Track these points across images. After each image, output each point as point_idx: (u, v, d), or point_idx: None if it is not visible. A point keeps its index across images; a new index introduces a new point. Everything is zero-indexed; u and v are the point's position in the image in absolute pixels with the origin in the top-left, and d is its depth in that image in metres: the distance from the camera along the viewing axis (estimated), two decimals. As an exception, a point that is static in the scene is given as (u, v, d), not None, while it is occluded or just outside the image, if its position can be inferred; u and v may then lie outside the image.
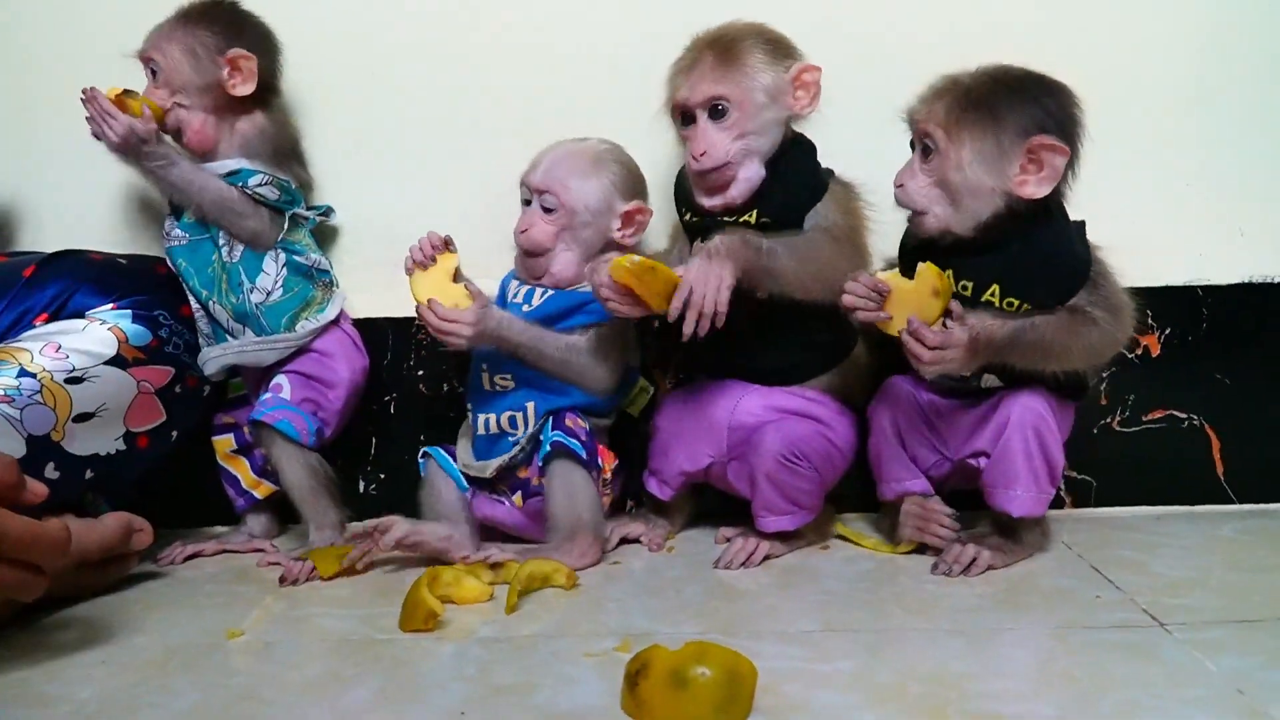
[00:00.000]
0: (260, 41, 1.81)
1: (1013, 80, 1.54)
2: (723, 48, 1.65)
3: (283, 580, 1.67)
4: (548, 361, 1.70)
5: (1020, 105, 1.51)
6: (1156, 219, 1.91)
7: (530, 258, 1.74)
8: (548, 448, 1.68)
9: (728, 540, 1.74)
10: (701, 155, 1.64)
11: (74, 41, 1.95)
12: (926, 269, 1.51)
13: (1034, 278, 1.55)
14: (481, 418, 1.76)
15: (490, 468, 1.74)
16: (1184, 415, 1.90)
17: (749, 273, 1.58)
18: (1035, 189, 1.52)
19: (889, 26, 1.90)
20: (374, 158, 1.95)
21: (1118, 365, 1.89)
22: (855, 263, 1.63)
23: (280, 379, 1.81)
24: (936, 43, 1.86)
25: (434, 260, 1.69)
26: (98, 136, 1.72)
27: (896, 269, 1.55)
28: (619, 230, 1.74)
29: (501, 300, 1.78)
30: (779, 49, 1.67)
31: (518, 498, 1.76)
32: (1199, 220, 1.91)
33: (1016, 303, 1.55)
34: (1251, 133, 1.91)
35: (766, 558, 1.69)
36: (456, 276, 1.70)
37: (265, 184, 1.79)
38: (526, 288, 1.76)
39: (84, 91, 1.71)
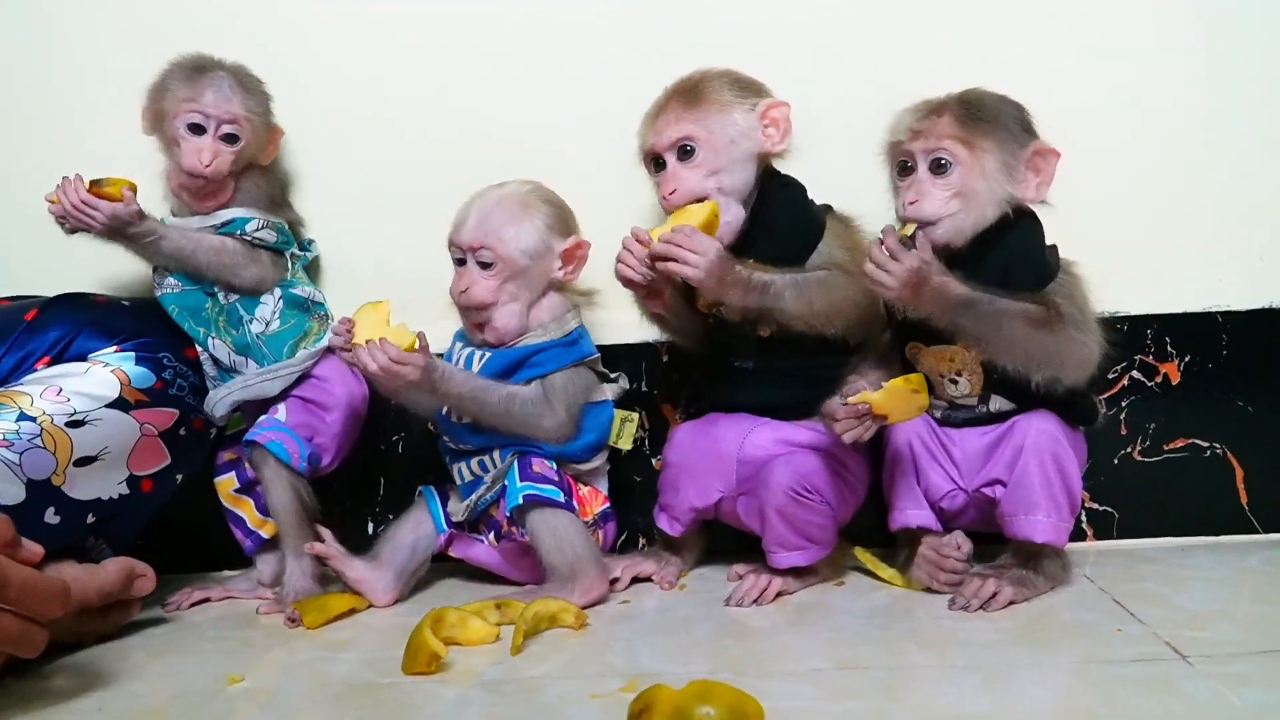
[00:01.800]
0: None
1: (993, 95, 1.59)
2: (687, 90, 1.67)
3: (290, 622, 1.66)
4: (490, 413, 1.67)
5: (1013, 115, 1.57)
6: (1174, 244, 1.88)
7: (472, 315, 1.73)
8: (519, 500, 1.66)
9: (740, 577, 1.71)
10: (671, 194, 1.64)
11: (72, 76, 1.98)
12: (892, 385, 1.52)
13: (1009, 277, 1.55)
14: (455, 467, 1.77)
15: (462, 509, 1.74)
16: (1206, 444, 1.87)
17: (752, 309, 1.60)
18: (1036, 193, 1.57)
19: (888, 58, 1.90)
20: (371, 199, 1.96)
21: (1138, 394, 1.86)
22: (868, 296, 1.61)
23: (278, 404, 1.80)
24: (940, 72, 1.83)
25: (349, 332, 1.65)
26: (72, 231, 1.72)
27: (869, 389, 1.55)
28: (560, 269, 1.73)
29: (448, 361, 1.74)
30: (745, 87, 1.68)
31: (492, 537, 1.75)
32: (1217, 245, 1.88)
33: None
34: (1270, 156, 1.88)
35: (779, 594, 1.66)
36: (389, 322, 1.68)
37: (262, 228, 1.79)
38: (467, 351, 1.74)
39: (53, 195, 1.70)
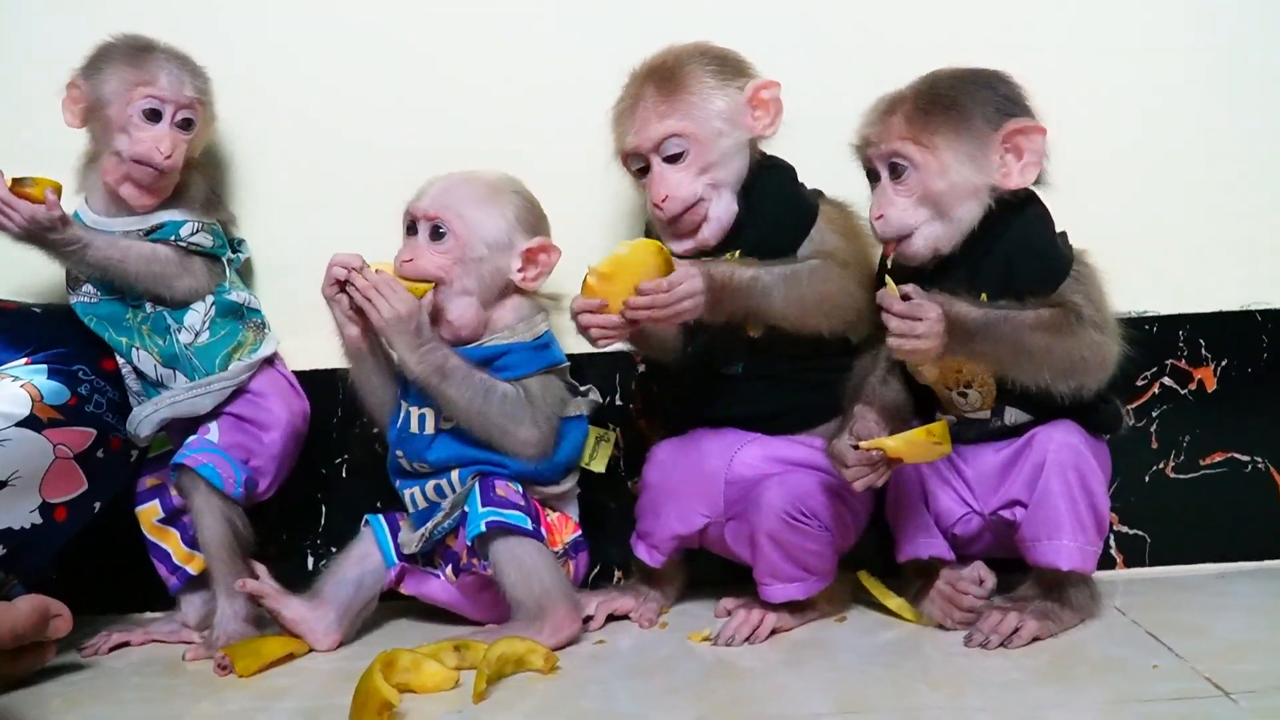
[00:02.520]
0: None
1: (959, 75, 1.57)
2: (663, 77, 1.65)
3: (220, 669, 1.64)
4: (465, 399, 1.66)
5: (979, 95, 1.55)
6: (1207, 236, 1.89)
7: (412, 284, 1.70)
8: (481, 527, 1.64)
9: (729, 613, 1.70)
10: (664, 201, 1.64)
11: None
12: (912, 435, 1.52)
13: (1017, 272, 1.55)
14: (408, 492, 1.76)
15: (415, 540, 1.73)
16: (1246, 458, 1.87)
17: (737, 312, 1.59)
18: (1020, 177, 1.55)
19: (875, 36, 1.90)
20: (310, 197, 1.96)
21: (1170, 402, 1.86)
22: (867, 289, 1.63)
23: (209, 423, 1.78)
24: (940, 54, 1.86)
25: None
26: None
27: (879, 423, 1.56)
28: (519, 271, 1.72)
29: None
30: (728, 66, 1.67)
31: (449, 571, 1.74)
32: (1254, 237, 1.89)
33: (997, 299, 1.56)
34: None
35: (773, 632, 1.65)
36: None
37: (198, 232, 1.78)
38: None
39: None
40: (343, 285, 1.65)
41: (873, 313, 1.63)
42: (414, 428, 1.73)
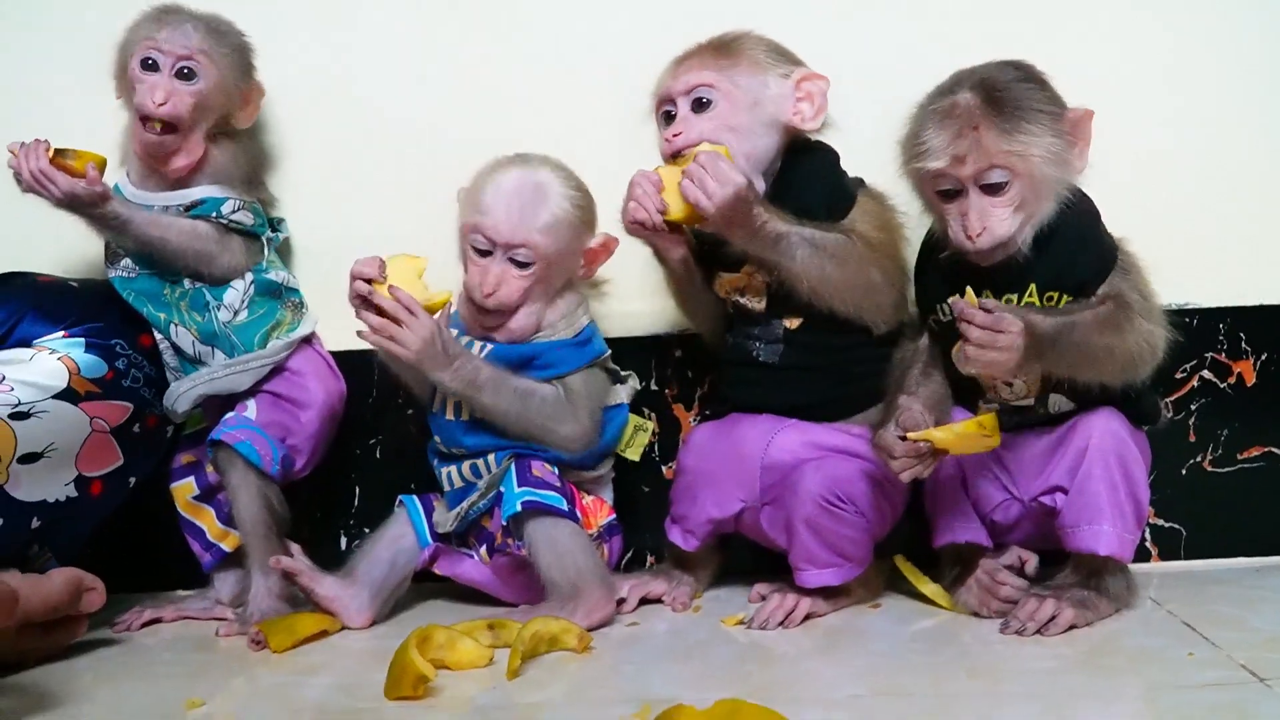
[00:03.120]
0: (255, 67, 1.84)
1: (1012, 81, 1.54)
2: (721, 44, 1.68)
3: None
4: (503, 406, 1.66)
5: (1038, 92, 1.54)
6: (1247, 229, 1.89)
7: (490, 317, 1.71)
8: (517, 507, 1.64)
9: (762, 598, 1.70)
10: (675, 137, 1.65)
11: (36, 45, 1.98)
12: (963, 428, 1.53)
13: (1069, 264, 1.56)
14: (444, 471, 1.76)
15: (450, 519, 1.74)
16: (1285, 452, 1.87)
17: (755, 249, 1.61)
18: (1082, 161, 1.56)
19: (919, 30, 1.92)
20: (349, 178, 1.97)
21: (1208, 396, 1.86)
22: (891, 279, 1.65)
23: (247, 400, 1.79)
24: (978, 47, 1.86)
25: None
26: (27, 190, 1.70)
27: (924, 414, 1.55)
28: (583, 268, 1.73)
29: None
30: (781, 54, 1.70)
31: (484, 551, 1.74)
32: (1296, 228, 1.89)
33: (1056, 295, 1.56)
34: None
35: (808, 617, 1.65)
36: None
37: (239, 210, 1.79)
38: (466, 339, 1.73)
39: (14, 149, 1.69)
40: (365, 300, 1.64)
41: (892, 305, 1.67)
42: (449, 414, 1.73)
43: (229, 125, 1.81)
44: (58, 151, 1.69)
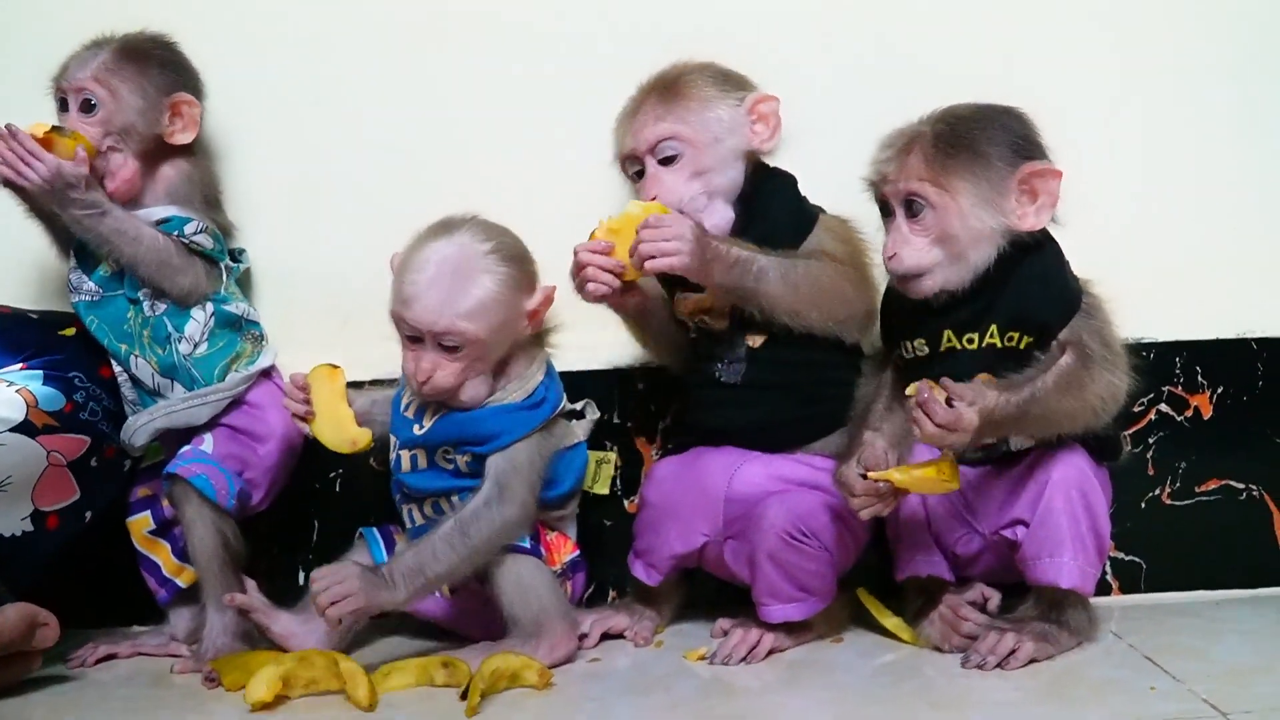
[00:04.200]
0: (197, 84, 1.82)
1: (976, 115, 1.57)
2: (665, 86, 1.70)
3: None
4: (461, 564, 1.63)
5: (997, 136, 1.56)
6: (1203, 264, 1.92)
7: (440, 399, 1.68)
8: None
9: (725, 633, 1.70)
10: (654, 199, 1.66)
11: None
12: (922, 474, 1.53)
13: (1031, 306, 1.57)
14: (406, 509, 1.75)
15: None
16: (1241, 485, 1.89)
17: (729, 285, 1.62)
18: (1036, 219, 1.56)
19: (891, 52, 1.93)
20: (309, 207, 1.96)
21: (1166, 429, 1.88)
22: (861, 290, 1.67)
23: (204, 433, 1.78)
24: (949, 76, 1.88)
25: (307, 400, 1.69)
26: (6, 182, 1.70)
27: (887, 451, 1.58)
28: (527, 326, 1.69)
29: (396, 410, 1.73)
30: (729, 80, 1.72)
31: (445, 587, 1.73)
32: (1251, 265, 1.92)
33: (1017, 335, 1.57)
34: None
35: (771, 651, 1.65)
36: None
37: (200, 231, 1.78)
38: (415, 406, 1.70)
39: (4, 128, 1.69)
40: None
41: (865, 315, 1.69)
42: (405, 466, 1.72)
43: (158, 142, 1.78)
44: (53, 128, 1.69)
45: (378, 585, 1.57)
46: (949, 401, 1.47)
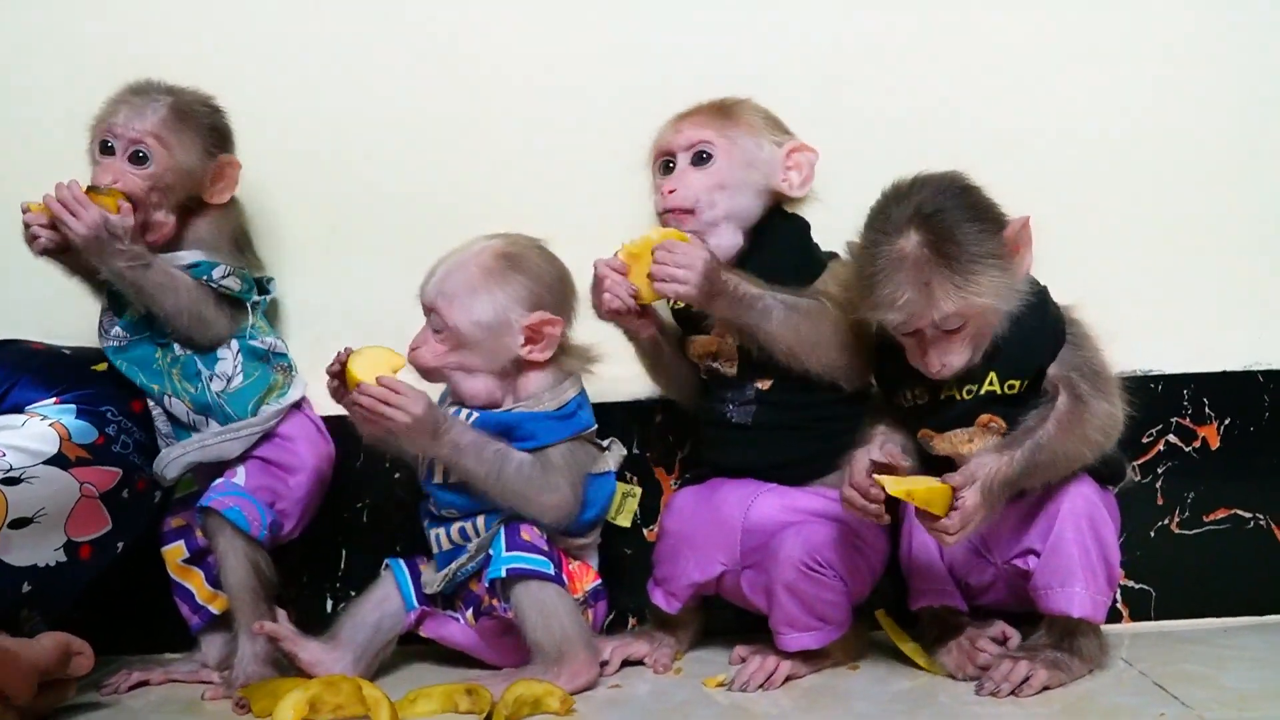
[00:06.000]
0: (234, 143, 1.86)
1: (950, 210, 1.53)
2: (720, 105, 1.76)
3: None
4: (483, 471, 1.67)
5: (981, 226, 1.53)
6: (1211, 296, 1.94)
7: (425, 375, 1.74)
8: (502, 572, 1.66)
9: (743, 660, 1.72)
10: (670, 192, 1.70)
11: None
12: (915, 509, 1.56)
13: (1027, 351, 1.59)
14: (434, 533, 1.78)
15: (437, 580, 1.75)
16: (1249, 514, 1.90)
17: (733, 318, 1.65)
18: (1025, 269, 1.57)
19: (900, 104, 1.96)
20: (338, 240, 2.00)
21: (1175, 459, 1.90)
22: (854, 346, 1.68)
23: (236, 466, 1.80)
24: (949, 123, 1.92)
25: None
26: (41, 252, 1.72)
27: (896, 474, 1.57)
28: (524, 346, 1.71)
29: None
30: (775, 123, 1.77)
31: (470, 614, 1.76)
32: (1258, 297, 1.94)
33: (1017, 383, 1.60)
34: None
35: (788, 678, 1.67)
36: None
37: (228, 276, 1.80)
38: (452, 408, 1.75)
39: (56, 187, 1.70)
40: (338, 376, 1.69)
41: (863, 367, 1.71)
42: (438, 477, 1.75)
43: (201, 198, 1.81)
44: (90, 188, 1.71)
45: (432, 425, 1.64)
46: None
